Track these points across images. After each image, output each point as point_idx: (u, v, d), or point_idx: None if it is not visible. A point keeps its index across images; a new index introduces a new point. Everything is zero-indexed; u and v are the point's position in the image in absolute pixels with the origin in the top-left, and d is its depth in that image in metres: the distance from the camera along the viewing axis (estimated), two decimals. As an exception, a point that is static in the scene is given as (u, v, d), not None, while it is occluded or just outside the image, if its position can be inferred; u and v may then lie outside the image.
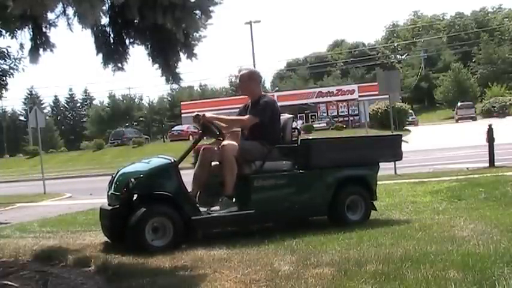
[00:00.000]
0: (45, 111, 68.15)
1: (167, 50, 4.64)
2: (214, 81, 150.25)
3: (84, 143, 59.81)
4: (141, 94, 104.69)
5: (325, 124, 47.21)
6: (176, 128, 51.22)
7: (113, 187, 5.66)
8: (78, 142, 67.60)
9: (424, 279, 3.51)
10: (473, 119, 48.32)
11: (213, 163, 5.86)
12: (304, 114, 54.12)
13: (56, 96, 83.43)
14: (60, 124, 79.82)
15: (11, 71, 8.44)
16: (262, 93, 6.27)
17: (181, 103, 61.49)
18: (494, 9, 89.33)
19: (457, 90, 63.63)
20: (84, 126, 77.23)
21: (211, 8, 4.38)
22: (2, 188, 22.02)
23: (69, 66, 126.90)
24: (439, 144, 25.68)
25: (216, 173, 5.77)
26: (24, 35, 4.83)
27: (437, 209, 6.95)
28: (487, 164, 13.08)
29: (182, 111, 58.40)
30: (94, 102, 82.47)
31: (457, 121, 49.40)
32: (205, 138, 5.85)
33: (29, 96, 76.11)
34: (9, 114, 78.20)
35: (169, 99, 76.14)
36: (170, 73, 4.79)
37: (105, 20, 4.61)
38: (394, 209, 7.08)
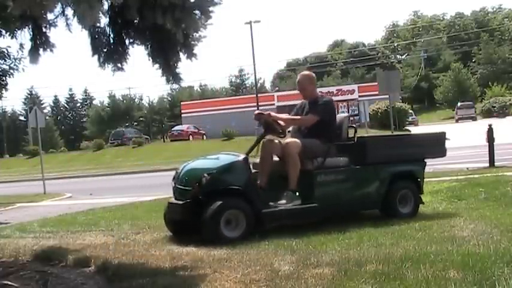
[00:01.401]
0: (45, 111, 68.09)
1: (167, 50, 4.63)
2: (214, 81, 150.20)
3: (84, 143, 59.83)
4: (141, 94, 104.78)
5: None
6: (176, 128, 51.19)
7: (180, 182, 5.91)
8: (78, 142, 67.63)
9: (424, 279, 3.51)
10: (473, 119, 48.31)
11: (275, 159, 6.12)
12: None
13: (56, 96, 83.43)
14: (60, 124, 79.76)
15: (11, 71, 8.44)
16: (319, 94, 6.63)
17: (181, 103, 61.46)
18: (494, 9, 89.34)
19: (457, 90, 63.62)
20: (84, 126, 77.16)
21: (211, 8, 4.38)
22: (2, 188, 22.02)
23: (69, 66, 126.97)
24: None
25: (278, 169, 6.02)
26: (24, 35, 4.83)
27: (437, 209, 6.95)
28: (487, 164, 13.07)
29: (182, 111, 58.38)
30: (94, 102, 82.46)
31: (457, 121, 49.40)
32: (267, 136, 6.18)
33: (29, 96, 76.10)
34: (9, 114, 78.17)
35: (169, 99, 76.10)
36: (170, 73, 4.78)
37: (104, 20, 4.62)
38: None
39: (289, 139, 6.04)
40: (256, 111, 6.20)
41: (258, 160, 6.16)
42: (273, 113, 6.19)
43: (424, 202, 6.77)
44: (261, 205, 5.70)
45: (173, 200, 6.02)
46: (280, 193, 5.94)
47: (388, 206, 6.39)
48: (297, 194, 5.93)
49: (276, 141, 6.10)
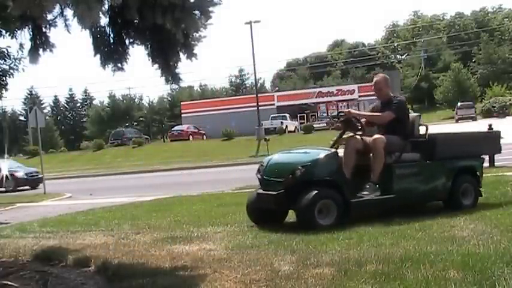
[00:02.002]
0: (45, 111, 68.06)
1: (167, 50, 4.63)
2: (214, 81, 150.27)
3: (84, 143, 59.80)
4: (141, 94, 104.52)
5: (325, 124, 47.20)
6: (176, 128, 51.19)
7: (270, 174, 6.38)
8: (78, 142, 67.58)
9: (424, 279, 3.51)
10: (473, 119, 48.22)
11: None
12: (304, 114, 54.10)
13: (56, 96, 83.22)
14: (60, 124, 79.63)
15: (11, 71, 8.42)
16: (391, 94, 7.04)
17: (181, 103, 61.44)
18: (494, 9, 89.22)
19: (457, 90, 63.49)
20: (84, 126, 77.05)
21: (210, 9, 4.38)
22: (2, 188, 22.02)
23: (69, 66, 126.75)
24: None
25: (359, 162, 6.40)
26: (24, 35, 4.83)
27: (437, 209, 6.95)
28: (487, 164, 13.03)
29: (182, 111, 58.37)
30: (94, 102, 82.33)
31: (457, 121, 49.30)
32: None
33: (29, 96, 75.98)
34: (9, 114, 78.13)
35: (169, 99, 76.00)
36: (170, 73, 4.78)
37: (104, 20, 4.61)
38: (394, 209, 7.07)
39: (376, 135, 6.47)
40: (339, 110, 6.86)
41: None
42: (353, 110, 6.95)
43: (482, 195, 7.17)
44: (350, 195, 6.15)
45: (262, 191, 6.44)
46: (363, 184, 6.41)
47: (453, 198, 6.85)
48: (377, 185, 6.42)
49: (358, 138, 6.57)
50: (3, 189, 21.55)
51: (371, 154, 6.46)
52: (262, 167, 6.61)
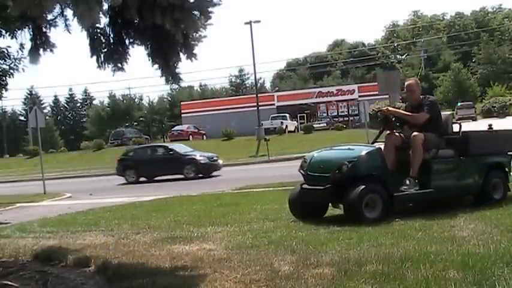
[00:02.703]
0: (45, 111, 68.01)
1: (167, 51, 4.63)
2: (214, 81, 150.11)
3: (84, 143, 59.62)
4: (141, 94, 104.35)
5: (325, 124, 47.17)
6: (176, 128, 51.14)
7: (315, 170, 6.67)
8: (78, 142, 67.38)
9: (424, 279, 3.51)
10: (473, 119, 48.19)
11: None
12: (304, 114, 54.10)
13: (56, 96, 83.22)
14: (60, 124, 79.62)
15: (11, 71, 8.42)
16: (421, 96, 7.29)
17: (181, 103, 61.44)
18: (494, 9, 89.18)
19: (457, 90, 63.52)
20: (84, 126, 77.02)
21: (210, 9, 4.38)
22: (2, 188, 22.03)
23: (69, 66, 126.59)
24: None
25: (399, 158, 6.68)
26: (24, 35, 4.83)
27: (437, 209, 6.94)
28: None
29: (182, 111, 58.36)
30: (94, 102, 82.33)
31: (457, 121, 49.36)
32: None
33: (29, 96, 75.92)
34: (9, 114, 78.10)
35: (169, 99, 75.97)
36: (170, 73, 4.78)
37: (104, 20, 4.61)
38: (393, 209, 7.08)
39: (415, 132, 6.70)
40: (384, 108, 7.38)
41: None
42: (392, 108, 7.36)
43: (511, 190, 7.44)
44: (393, 189, 6.44)
45: (307, 186, 6.72)
46: (403, 179, 6.61)
47: (484, 192, 7.14)
48: (416, 180, 6.63)
49: (397, 134, 6.89)
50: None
51: (410, 150, 6.71)
52: (305, 163, 6.89)
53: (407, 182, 6.61)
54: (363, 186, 6.20)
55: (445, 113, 7.51)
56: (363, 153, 6.61)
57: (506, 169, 7.58)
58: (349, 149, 6.95)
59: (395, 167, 6.65)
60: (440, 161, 6.89)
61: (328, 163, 6.64)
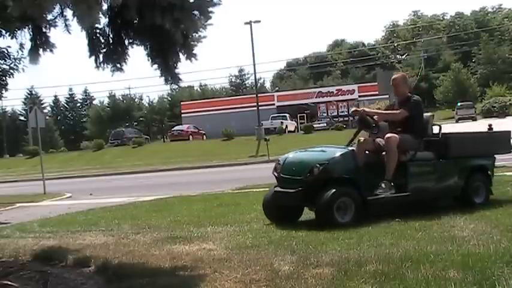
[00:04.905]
0: (45, 111, 67.83)
1: (166, 51, 4.63)
2: (214, 81, 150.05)
3: (84, 143, 59.70)
4: (141, 94, 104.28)
5: (325, 124, 47.19)
6: (176, 128, 51.18)
7: (287, 172, 6.48)
8: (78, 142, 67.47)
9: (424, 279, 3.51)
10: (473, 119, 48.20)
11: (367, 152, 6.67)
12: (304, 114, 54.10)
13: (56, 96, 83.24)
14: (60, 124, 79.59)
15: (11, 71, 8.41)
16: (409, 93, 7.10)
17: (181, 103, 61.47)
18: (494, 9, 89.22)
19: (457, 90, 63.50)
20: (84, 126, 77.02)
21: (210, 9, 4.38)
22: (2, 188, 22.02)
23: (69, 66, 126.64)
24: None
25: (373, 161, 6.49)
26: (24, 35, 4.83)
27: (437, 209, 6.94)
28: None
29: (182, 111, 58.39)
30: (94, 102, 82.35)
31: (457, 121, 49.30)
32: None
33: (29, 96, 75.91)
34: (9, 114, 78.08)
35: (169, 99, 75.98)
36: (169, 73, 4.78)
37: (104, 21, 4.61)
38: (393, 209, 7.08)
39: (389, 134, 6.54)
40: (353, 108, 7.11)
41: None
42: (367, 109, 7.00)
43: (493, 193, 7.30)
44: (367, 193, 6.25)
45: (279, 189, 6.54)
46: (377, 183, 6.41)
47: (465, 196, 6.98)
48: (392, 183, 6.44)
49: (369, 139, 6.75)
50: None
51: (384, 152, 6.56)
52: (279, 165, 6.71)
53: (383, 185, 6.40)
54: (334, 190, 6.02)
55: (426, 114, 7.21)
56: (336, 155, 6.40)
57: (489, 172, 7.41)
58: (322, 150, 6.74)
59: (368, 170, 6.41)
60: (418, 163, 6.70)
61: (301, 165, 6.43)
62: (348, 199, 6.10)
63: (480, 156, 7.37)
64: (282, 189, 6.48)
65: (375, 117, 6.81)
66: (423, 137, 6.82)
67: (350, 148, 6.60)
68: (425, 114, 7.17)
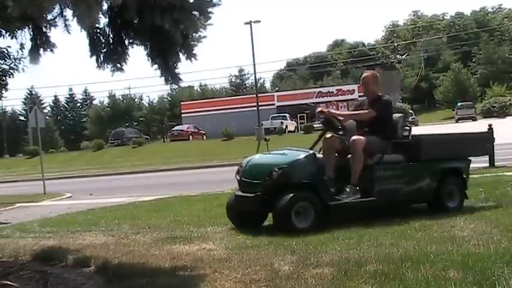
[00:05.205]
0: (45, 111, 67.85)
1: (166, 51, 4.63)
2: (214, 81, 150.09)
3: (84, 143, 59.72)
4: (141, 94, 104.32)
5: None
6: (176, 128, 51.18)
7: (248, 176, 6.27)
8: (78, 142, 67.51)
9: (424, 279, 3.51)
10: (473, 119, 48.21)
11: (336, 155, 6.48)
12: (304, 114, 54.09)
13: (56, 96, 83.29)
14: (60, 124, 79.61)
15: (11, 71, 8.42)
16: (379, 93, 6.85)
17: (181, 103, 61.47)
18: (494, 9, 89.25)
19: (457, 90, 63.52)
20: (84, 126, 77.06)
21: (210, 9, 4.38)
22: (2, 188, 22.01)
23: (69, 66, 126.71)
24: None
25: (339, 164, 6.30)
26: (24, 35, 4.83)
27: (437, 209, 6.94)
28: (487, 164, 13.07)
29: (182, 111, 58.39)
30: (94, 102, 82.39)
31: (457, 121, 49.31)
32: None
33: (29, 96, 75.92)
34: (9, 114, 78.08)
35: (169, 99, 76.00)
36: (169, 74, 4.78)
37: (104, 21, 4.61)
38: (393, 209, 7.07)
39: (354, 136, 6.33)
40: (319, 109, 6.74)
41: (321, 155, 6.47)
42: (332, 110, 6.66)
43: (468, 197, 7.06)
44: (328, 198, 6.03)
45: (240, 193, 6.34)
46: (342, 187, 6.21)
47: (437, 200, 6.73)
48: (357, 188, 6.24)
49: (336, 137, 6.44)
50: None
51: (350, 155, 6.31)
52: (242, 168, 6.48)
53: (347, 189, 6.17)
54: (292, 194, 5.78)
55: (396, 115, 6.90)
56: (295, 158, 6.14)
57: (464, 175, 7.11)
58: (284, 154, 6.45)
59: (335, 173, 6.21)
60: (386, 166, 6.41)
61: (260, 169, 6.20)
62: (307, 204, 5.87)
63: (454, 159, 7.06)
64: (242, 194, 6.27)
65: (341, 118, 6.60)
66: (392, 138, 6.57)
67: (311, 151, 6.33)
68: (396, 115, 6.91)
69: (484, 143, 7.53)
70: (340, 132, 6.47)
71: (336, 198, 6.11)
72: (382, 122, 6.47)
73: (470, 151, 7.31)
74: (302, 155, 6.20)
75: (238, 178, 6.48)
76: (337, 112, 6.67)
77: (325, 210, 5.96)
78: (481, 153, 7.55)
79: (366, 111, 6.55)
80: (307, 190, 5.98)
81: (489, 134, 7.60)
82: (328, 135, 6.48)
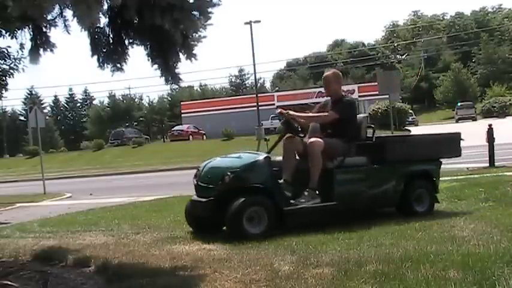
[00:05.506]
0: (45, 111, 67.85)
1: (166, 51, 4.63)
2: (214, 81, 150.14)
3: (84, 143, 59.73)
4: (141, 94, 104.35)
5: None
6: (176, 128, 51.18)
7: (203, 180, 6.09)
8: (78, 142, 67.53)
9: (424, 279, 3.51)
10: (473, 119, 48.25)
11: (297, 157, 6.25)
12: (304, 114, 54.07)
13: (56, 96, 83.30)
14: (60, 124, 79.61)
15: (11, 71, 8.42)
16: (343, 93, 6.66)
17: (181, 103, 61.46)
18: (494, 9, 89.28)
19: (457, 90, 63.56)
20: (84, 126, 77.08)
21: (210, 9, 4.38)
22: (2, 188, 22.01)
23: (69, 66, 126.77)
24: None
25: (299, 167, 6.08)
26: (24, 35, 4.83)
27: (437, 209, 6.94)
28: (487, 164, 13.07)
29: (182, 111, 58.37)
30: (94, 102, 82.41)
31: (457, 121, 49.36)
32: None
33: (29, 96, 75.93)
34: (9, 114, 78.09)
35: (169, 99, 76.01)
36: (169, 74, 4.78)
37: (104, 21, 4.61)
38: (394, 209, 7.08)
39: (312, 138, 6.13)
40: (279, 110, 6.40)
41: (280, 158, 6.28)
42: (292, 112, 6.27)
43: (439, 201, 6.88)
44: (283, 203, 5.82)
45: (196, 198, 6.18)
46: (301, 191, 6.02)
47: (405, 204, 6.51)
48: (317, 192, 6.04)
49: (297, 139, 6.20)
50: None
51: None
52: (199, 171, 6.30)
53: (306, 193, 5.96)
54: (244, 199, 5.59)
55: (359, 115, 6.62)
56: (248, 162, 5.93)
57: (434, 178, 6.80)
58: (238, 157, 6.22)
59: (293, 177, 6.01)
60: (347, 169, 6.16)
61: (214, 173, 6.00)
62: (260, 209, 5.67)
63: (423, 161, 6.78)
64: (198, 199, 6.10)
65: (302, 120, 6.35)
66: (354, 140, 6.31)
67: (264, 154, 6.03)
68: (359, 116, 6.63)
69: (454, 144, 7.05)
70: (301, 134, 6.23)
71: (292, 202, 5.89)
72: (345, 124, 6.23)
73: (440, 152, 6.94)
74: (255, 158, 6.00)
75: (195, 182, 6.28)
76: (298, 114, 6.34)
77: (280, 216, 5.75)
78: (452, 154, 7.12)
79: (327, 113, 6.30)
80: (260, 194, 5.77)
81: (459, 135, 7.12)
82: (289, 136, 6.22)
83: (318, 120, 6.46)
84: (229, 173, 5.76)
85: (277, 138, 6.31)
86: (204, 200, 5.91)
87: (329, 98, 6.64)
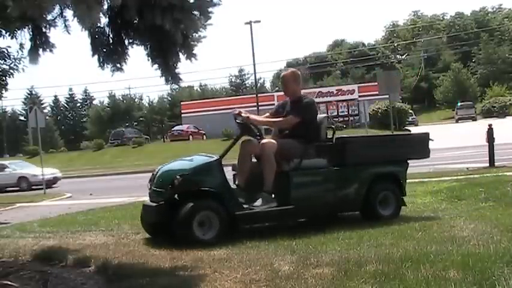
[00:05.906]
0: (45, 111, 67.80)
1: (166, 51, 4.63)
2: (214, 81, 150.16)
3: (84, 143, 59.71)
4: (141, 94, 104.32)
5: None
6: (176, 128, 51.18)
7: (155, 184, 5.90)
8: (78, 142, 67.51)
9: (424, 279, 3.51)
10: (473, 119, 48.26)
11: (253, 160, 6.08)
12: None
13: (56, 96, 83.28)
14: (60, 124, 79.60)
15: (11, 71, 8.44)
16: (302, 94, 6.45)
17: (181, 103, 61.44)
18: (494, 9, 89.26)
19: (457, 90, 63.58)
20: (84, 126, 77.09)
21: (210, 9, 4.38)
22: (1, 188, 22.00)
23: (69, 66, 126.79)
24: (439, 144, 25.59)
25: (255, 170, 5.91)
26: (24, 35, 4.83)
27: (437, 209, 6.95)
28: (487, 164, 13.07)
29: (182, 111, 58.33)
30: (94, 102, 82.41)
31: (457, 121, 49.37)
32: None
33: (29, 96, 75.95)
34: (9, 114, 78.09)
35: (169, 99, 76.03)
36: (170, 73, 4.78)
37: (104, 21, 4.62)
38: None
39: (265, 140, 5.90)
40: (236, 111, 6.08)
41: (236, 160, 6.15)
42: (252, 116, 6.02)
43: (406, 204, 6.63)
44: (234, 207, 5.62)
45: (148, 202, 6.00)
46: (256, 195, 5.82)
47: (368, 208, 6.26)
48: (273, 195, 5.83)
49: (255, 141, 5.98)
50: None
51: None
52: (153, 175, 6.10)
53: (260, 197, 5.76)
54: (193, 203, 5.41)
55: (319, 116, 6.35)
56: (197, 165, 5.75)
57: (401, 180, 6.52)
58: (190, 160, 6.04)
59: (248, 180, 5.85)
60: (305, 172, 5.91)
61: (166, 177, 5.78)
62: (211, 213, 5.48)
63: (388, 162, 6.52)
64: (149, 203, 5.91)
65: (265, 125, 6.18)
66: (311, 142, 6.02)
67: (215, 157, 5.82)
68: (319, 116, 6.36)
69: (422, 144, 6.76)
70: (259, 137, 6.01)
71: (245, 207, 5.71)
72: (304, 125, 5.99)
73: (406, 154, 6.64)
74: (206, 161, 5.83)
75: (149, 186, 6.08)
76: (258, 119, 6.14)
77: (232, 220, 5.58)
78: (419, 156, 6.86)
79: (288, 118, 6.04)
80: (211, 199, 5.58)
81: (427, 135, 6.87)
82: (246, 139, 6.05)
83: (278, 125, 6.21)
84: (178, 177, 5.55)
85: (233, 141, 6.10)
86: (154, 204, 5.72)
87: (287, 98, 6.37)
